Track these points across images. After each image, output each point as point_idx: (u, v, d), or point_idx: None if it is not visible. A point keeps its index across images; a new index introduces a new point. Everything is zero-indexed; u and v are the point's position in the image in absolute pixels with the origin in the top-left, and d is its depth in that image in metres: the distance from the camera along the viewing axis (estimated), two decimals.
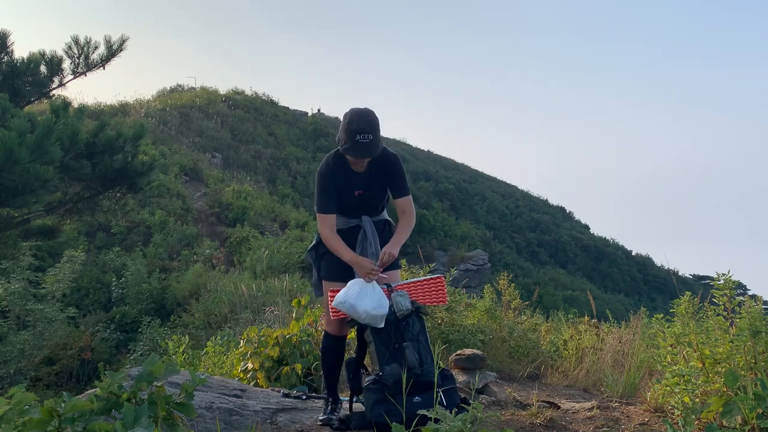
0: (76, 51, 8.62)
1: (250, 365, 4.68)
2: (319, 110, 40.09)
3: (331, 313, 3.11)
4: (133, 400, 2.11)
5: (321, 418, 3.25)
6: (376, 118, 2.99)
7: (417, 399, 2.83)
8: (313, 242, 3.32)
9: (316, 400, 3.79)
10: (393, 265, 3.17)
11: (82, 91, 60.98)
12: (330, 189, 3.10)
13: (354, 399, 3.31)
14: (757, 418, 2.38)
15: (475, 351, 4.18)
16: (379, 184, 3.17)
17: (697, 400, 2.81)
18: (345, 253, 3.05)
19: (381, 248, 3.11)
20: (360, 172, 3.12)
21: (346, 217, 3.20)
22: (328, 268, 3.19)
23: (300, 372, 4.53)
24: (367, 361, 3.26)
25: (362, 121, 2.93)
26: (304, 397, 3.85)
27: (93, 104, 25.10)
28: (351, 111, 3.00)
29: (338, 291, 3.00)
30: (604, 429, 3.13)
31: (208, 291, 11.68)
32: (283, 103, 38.10)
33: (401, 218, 3.22)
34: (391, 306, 2.98)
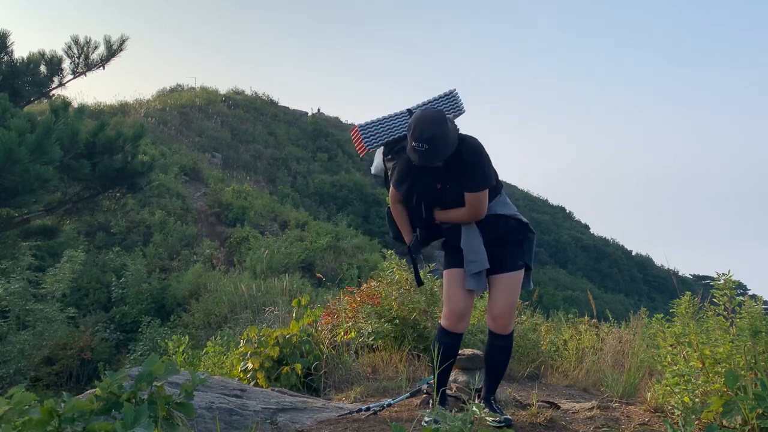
0: (76, 51, 8.64)
1: (250, 365, 4.68)
2: (319, 110, 40.15)
3: None
4: (133, 400, 2.11)
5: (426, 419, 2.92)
6: (438, 121, 2.77)
7: None
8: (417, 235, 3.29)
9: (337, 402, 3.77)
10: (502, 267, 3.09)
11: (82, 91, 60.99)
12: (405, 174, 3.04)
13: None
14: (757, 418, 2.38)
15: (475, 351, 4.18)
16: (456, 177, 2.94)
17: (697, 400, 2.81)
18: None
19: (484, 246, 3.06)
20: (439, 165, 2.93)
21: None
22: (446, 258, 3.27)
23: (300, 372, 4.53)
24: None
25: (418, 128, 2.76)
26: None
27: (93, 104, 25.16)
28: (415, 114, 2.86)
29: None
30: (604, 429, 3.13)
31: (208, 291, 11.68)
32: (283, 103, 38.18)
33: None
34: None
